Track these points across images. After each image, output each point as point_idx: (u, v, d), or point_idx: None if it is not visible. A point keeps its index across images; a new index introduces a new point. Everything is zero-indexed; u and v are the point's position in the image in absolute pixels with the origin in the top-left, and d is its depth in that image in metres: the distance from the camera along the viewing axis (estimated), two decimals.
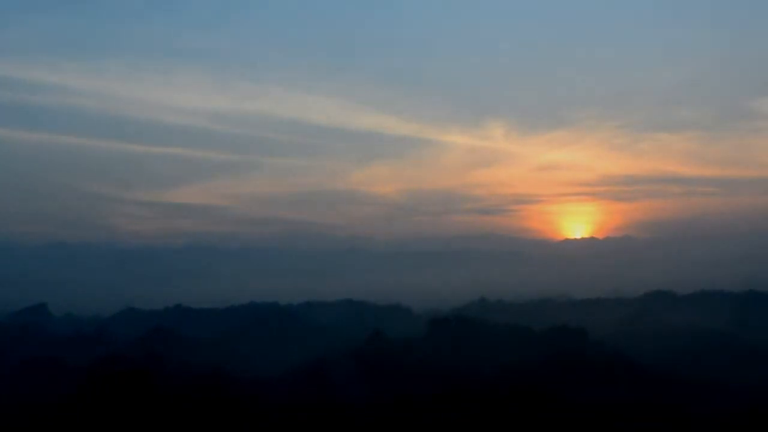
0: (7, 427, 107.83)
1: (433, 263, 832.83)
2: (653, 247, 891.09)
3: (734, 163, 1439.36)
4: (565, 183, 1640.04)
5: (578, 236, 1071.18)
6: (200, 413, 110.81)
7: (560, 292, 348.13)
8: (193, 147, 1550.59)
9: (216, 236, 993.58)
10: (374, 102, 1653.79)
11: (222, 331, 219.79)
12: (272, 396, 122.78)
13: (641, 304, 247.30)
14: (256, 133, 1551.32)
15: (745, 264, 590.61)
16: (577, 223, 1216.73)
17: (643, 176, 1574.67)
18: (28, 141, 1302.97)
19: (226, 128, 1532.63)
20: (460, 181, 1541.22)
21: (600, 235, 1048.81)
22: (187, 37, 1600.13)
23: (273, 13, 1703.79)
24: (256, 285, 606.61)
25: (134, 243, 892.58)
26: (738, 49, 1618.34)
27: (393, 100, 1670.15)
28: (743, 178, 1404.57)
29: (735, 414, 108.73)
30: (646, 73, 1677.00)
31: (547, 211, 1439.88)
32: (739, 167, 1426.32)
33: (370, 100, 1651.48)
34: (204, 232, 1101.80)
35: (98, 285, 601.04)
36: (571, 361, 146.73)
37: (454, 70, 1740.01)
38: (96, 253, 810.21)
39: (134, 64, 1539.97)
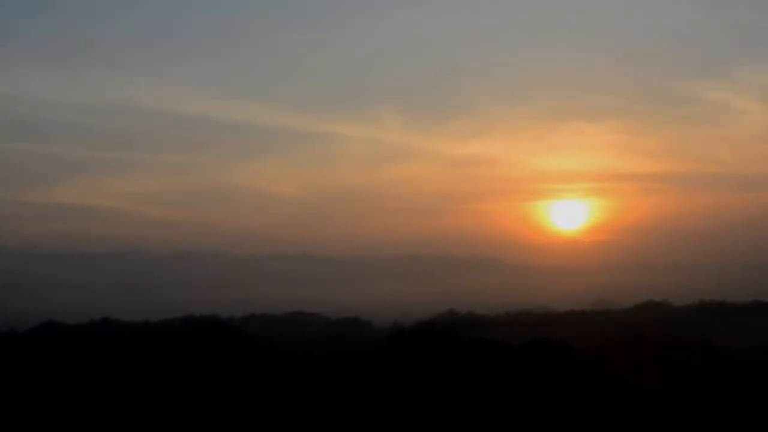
0: None
1: (389, 271, 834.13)
2: (642, 253, 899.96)
3: (684, 157, 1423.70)
4: (494, 179, 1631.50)
5: (555, 238, 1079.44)
6: None
7: (538, 303, 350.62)
8: (53, 142, 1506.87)
9: (129, 241, 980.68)
10: (247, 91, 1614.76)
11: (157, 347, 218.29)
12: None
13: (632, 317, 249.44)
14: (123, 126, 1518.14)
15: (745, 272, 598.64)
16: (540, 224, 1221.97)
17: (584, 172, 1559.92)
18: None
19: (89, 122, 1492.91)
20: (368, 178, 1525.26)
21: (586, 239, 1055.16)
22: (27, 21, 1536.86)
23: None
24: (190, 295, 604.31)
25: (43, 248, 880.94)
26: (663, 21, 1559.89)
27: (268, 89, 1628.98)
28: (700, 174, 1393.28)
29: None
30: (553, 52, 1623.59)
31: (491, 212, 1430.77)
32: (693, 162, 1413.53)
33: (243, 89, 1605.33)
34: (110, 236, 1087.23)
35: (11, 295, 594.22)
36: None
37: (334, 52, 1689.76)
38: (5, 258, 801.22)
39: None
